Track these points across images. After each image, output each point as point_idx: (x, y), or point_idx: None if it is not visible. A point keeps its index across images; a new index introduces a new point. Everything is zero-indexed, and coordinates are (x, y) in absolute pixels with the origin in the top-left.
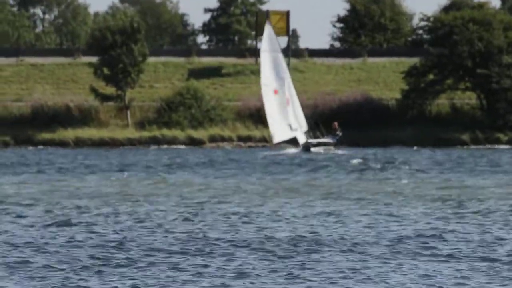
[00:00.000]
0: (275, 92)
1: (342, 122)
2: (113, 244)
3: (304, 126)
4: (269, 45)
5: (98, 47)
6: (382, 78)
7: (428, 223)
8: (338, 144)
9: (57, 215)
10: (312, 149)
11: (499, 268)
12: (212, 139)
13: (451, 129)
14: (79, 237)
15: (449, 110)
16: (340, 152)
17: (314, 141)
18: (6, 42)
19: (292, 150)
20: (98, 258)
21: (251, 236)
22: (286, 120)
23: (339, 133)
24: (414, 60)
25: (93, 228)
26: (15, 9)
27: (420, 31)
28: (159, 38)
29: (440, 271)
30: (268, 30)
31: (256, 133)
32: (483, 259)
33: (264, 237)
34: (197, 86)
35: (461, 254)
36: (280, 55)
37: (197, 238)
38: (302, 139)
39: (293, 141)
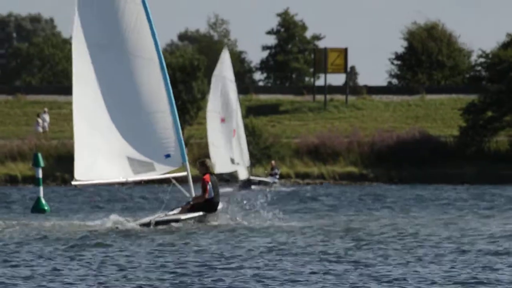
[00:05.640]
0: (222, 120)
1: (400, 159)
2: None
3: (247, 161)
4: (222, 71)
5: None
6: (440, 115)
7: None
8: (275, 183)
9: None
10: (253, 186)
11: None
12: None
13: (511, 166)
14: None
15: (508, 147)
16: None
17: (256, 179)
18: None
19: (227, 189)
20: None
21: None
22: (229, 152)
23: (277, 171)
24: (472, 97)
25: None
26: None
27: (479, 68)
28: None
29: None
30: (224, 56)
31: (314, 170)
32: None
33: None
34: (256, 123)
35: None
36: (232, 84)
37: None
38: (243, 175)
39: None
